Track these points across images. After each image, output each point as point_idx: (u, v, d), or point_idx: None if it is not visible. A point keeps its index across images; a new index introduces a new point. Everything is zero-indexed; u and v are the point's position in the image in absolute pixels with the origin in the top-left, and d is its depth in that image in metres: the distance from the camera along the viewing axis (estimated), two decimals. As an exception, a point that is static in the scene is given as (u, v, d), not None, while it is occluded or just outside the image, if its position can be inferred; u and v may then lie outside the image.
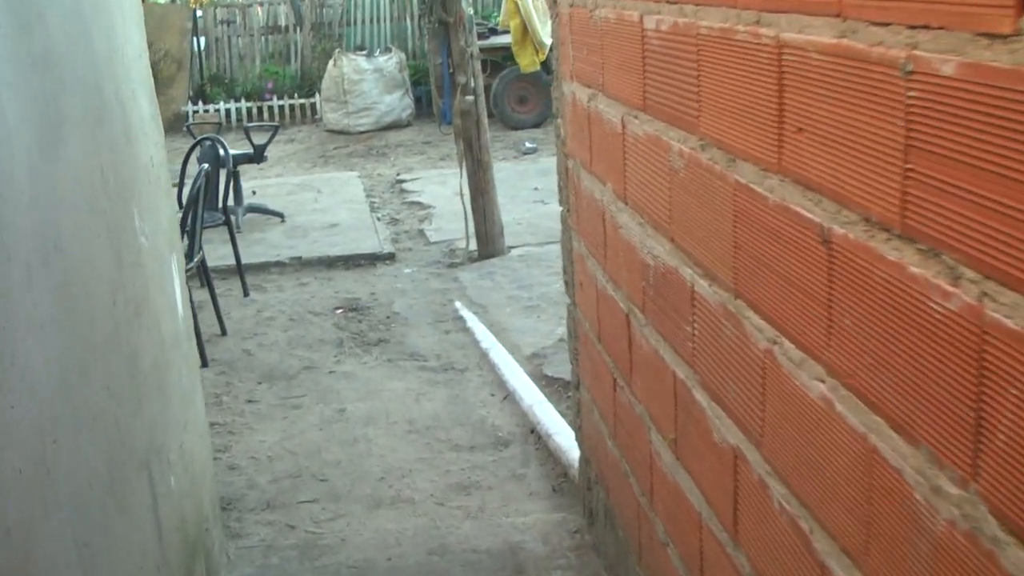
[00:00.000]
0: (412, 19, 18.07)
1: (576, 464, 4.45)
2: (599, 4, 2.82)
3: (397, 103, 15.40)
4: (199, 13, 17.93)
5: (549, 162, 11.87)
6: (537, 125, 14.49)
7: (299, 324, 6.79)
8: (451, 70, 7.68)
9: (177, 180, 7.37)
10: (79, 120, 2.48)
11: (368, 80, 15.20)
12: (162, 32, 16.81)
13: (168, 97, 16.48)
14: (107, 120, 2.75)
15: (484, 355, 6.02)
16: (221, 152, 7.17)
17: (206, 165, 6.14)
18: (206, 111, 16.43)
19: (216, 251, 7.60)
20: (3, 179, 1.90)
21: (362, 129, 15.07)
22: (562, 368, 5.70)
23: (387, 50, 16.08)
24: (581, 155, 3.24)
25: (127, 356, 2.68)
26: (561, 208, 3.78)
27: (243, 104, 16.50)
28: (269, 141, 9.27)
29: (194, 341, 3.70)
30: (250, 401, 5.61)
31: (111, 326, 2.53)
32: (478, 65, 7.67)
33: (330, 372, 5.95)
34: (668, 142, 2.33)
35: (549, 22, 9.00)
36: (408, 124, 15.44)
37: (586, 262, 3.33)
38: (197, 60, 17.57)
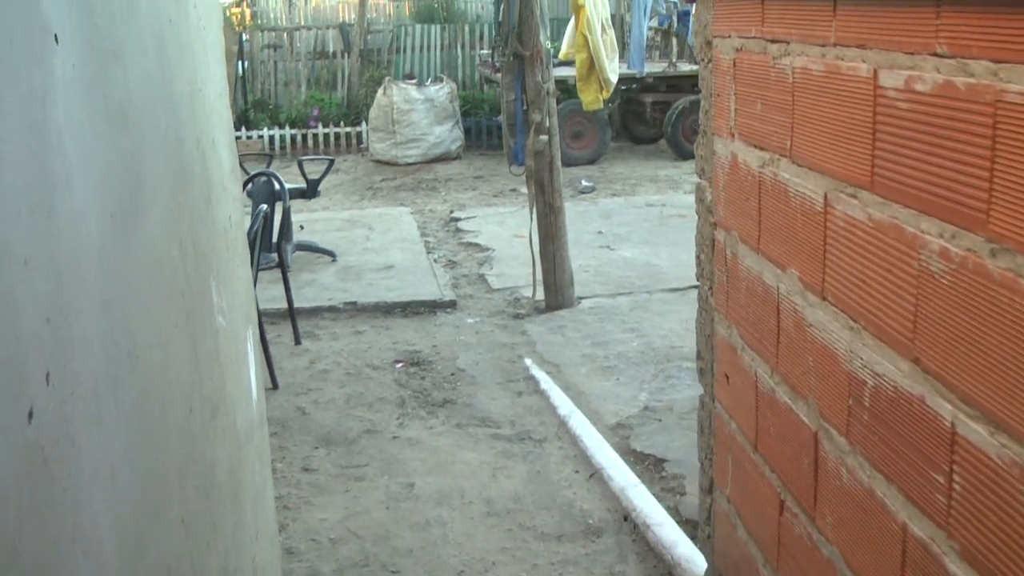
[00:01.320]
0: (463, 48, 17.65)
1: (684, 562, 3.92)
2: (790, 51, 2.29)
3: (447, 135, 14.94)
4: (244, 37, 17.56)
5: (610, 204, 11.53)
6: (592, 161, 14.00)
7: (357, 379, 6.27)
8: (524, 107, 7.16)
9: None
10: (159, 182, 1.97)
11: (418, 110, 14.75)
12: (207, 55, 16.42)
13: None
14: (187, 178, 2.25)
15: (563, 423, 5.48)
16: (276, 187, 6.67)
17: (265, 207, 5.65)
18: (249, 138, 16.03)
19: (265, 292, 7.11)
20: (70, 278, 1.38)
21: (410, 161, 14.61)
22: (651, 443, 5.16)
23: (438, 79, 15.63)
24: (742, 228, 2.70)
25: (203, 472, 2.15)
26: (700, 284, 3.24)
27: (287, 131, 16.10)
28: (323, 176, 8.79)
29: (266, 427, 3.18)
30: (307, 470, 5.08)
31: (188, 443, 2.01)
32: (553, 103, 7.17)
33: (393, 437, 5.42)
34: (919, 235, 1.79)
35: (616, 58, 8.49)
36: (457, 157, 14.98)
37: (739, 355, 2.79)
38: (241, 85, 17.18)
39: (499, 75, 7.35)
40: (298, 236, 9.50)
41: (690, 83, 14.92)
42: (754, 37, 2.53)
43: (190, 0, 2.44)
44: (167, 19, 2.18)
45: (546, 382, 6.04)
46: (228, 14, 24.94)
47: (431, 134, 14.79)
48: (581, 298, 7.60)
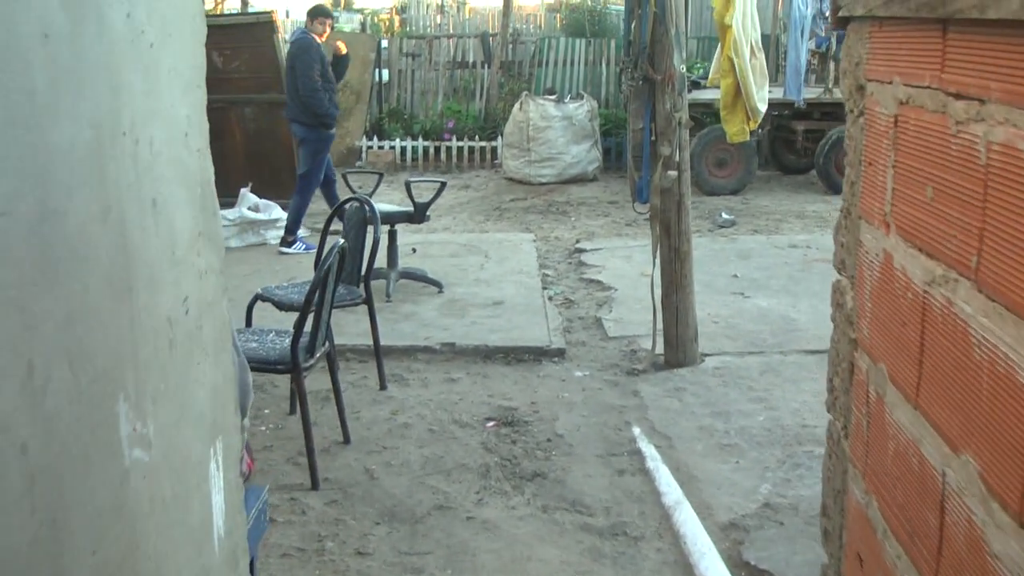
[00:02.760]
0: (607, 64, 16.87)
1: None
2: (986, 114, 1.44)
3: (584, 155, 14.18)
4: (384, 44, 17.09)
5: (750, 242, 10.54)
6: (736, 192, 13.07)
7: (440, 438, 5.53)
8: (652, 137, 6.35)
9: (318, 245, 6.25)
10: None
11: (555, 128, 14.03)
12: (344, 61, 15.99)
13: (344, 130, 15.63)
14: (68, 265, 1.52)
15: (666, 515, 4.64)
16: (367, 214, 5.99)
17: (342, 241, 4.95)
18: (381, 147, 15.53)
19: (357, 326, 6.44)
20: None
21: (543, 180, 13.90)
22: (768, 554, 4.30)
23: (578, 96, 14.89)
24: (894, 364, 1.86)
25: None
26: (829, 419, 2.40)
27: (420, 143, 15.55)
28: (433, 200, 8.12)
29: (247, 564, 2.44)
30: (360, 553, 4.35)
31: None
32: (686, 135, 6.33)
33: (468, 518, 4.66)
34: None
35: (766, 85, 7.60)
36: (594, 179, 14.22)
37: (879, 540, 1.94)
38: (377, 93, 16.71)
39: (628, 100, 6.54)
40: (407, 261, 8.85)
41: (847, 111, 13.88)
42: (928, 87, 1.68)
43: (113, 7, 1.72)
44: (37, 33, 1.46)
45: (653, 459, 5.21)
46: (376, 21, 24.71)
47: (567, 153, 14.05)
48: (705, 355, 6.74)
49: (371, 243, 5.89)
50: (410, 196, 8.01)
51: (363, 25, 23.97)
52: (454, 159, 15.51)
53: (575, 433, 5.61)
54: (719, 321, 7.50)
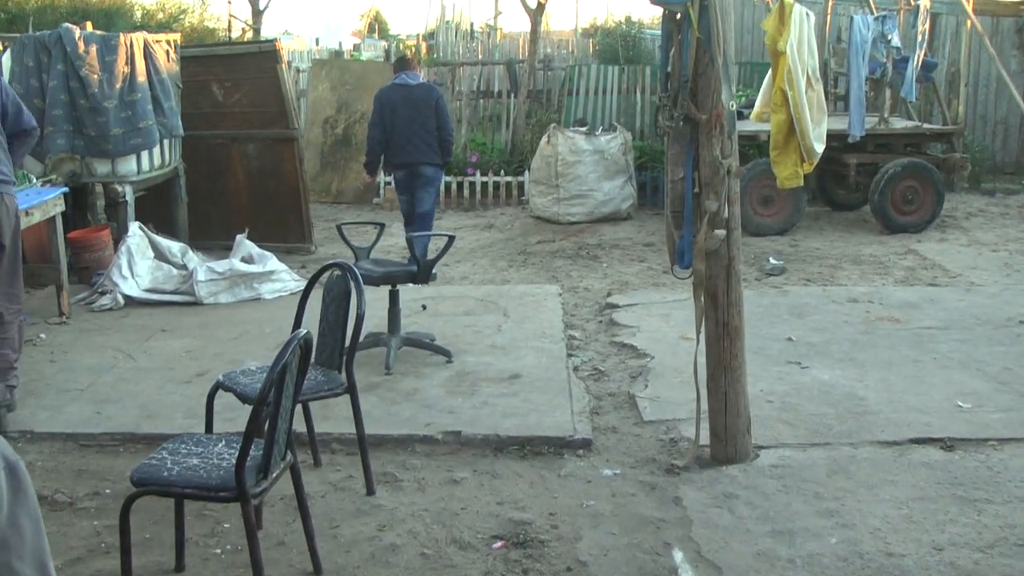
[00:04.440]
0: (642, 93, 15.80)
1: None
2: None
3: (617, 192, 13.11)
4: (405, 73, 16.07)
5: (803, 295, 9.11)
6: (783, 232, 11.94)
7: (434, 566, 4.44)
8: (696, 189, 5.26)
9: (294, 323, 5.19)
10: None
11: (586, 162, 12.96)
12: (360, 92, 15.08)
13: (360, 165, 14.61)
14: None
15: None
16: (351, 287, 4.93)
17: (305, 331, 3.88)
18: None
19: (346, 408, 5.31)
20: None
21: (573, 219, 12.83)
22: None
23: (611, 128, 13.80)
24: None
25: None
26: None
27: (441, 179, 14.47)
28: (440, 257, 7.06)
29: None
30: None
31: None
32: (736, 186, 5.23)
33: None
34: None
35: (824, 121, 6.48)
36: (627, 217, 13.13)
37: None
38: (397, 124, 15.69)
39: (668, 142, 5.45)
40: (413, 323, 7.77)
41: (903, 143, 12.76)
42: None
43: None
44: None
45: (700, 606, 4.10)
46: (402, 47, 23.77)
47: (599, 190, 12.97)
48: (759, 448, 5.62)
49: (355, 318, 4.82)
50: (412, 254, 6.94)
51: (387, 52, 23.05)
52: (478, 196, 14.45)
53: (602, 559, 4.50)
54: (773, 400, 6.37)
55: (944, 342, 7.57)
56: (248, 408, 4.62)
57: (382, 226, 7.49)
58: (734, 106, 5.14)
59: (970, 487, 5.18)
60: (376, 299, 7.17)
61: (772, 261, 10.27)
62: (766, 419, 5.97)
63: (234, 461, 3.73)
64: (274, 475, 3.91)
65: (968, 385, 6.66)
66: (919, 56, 12.24)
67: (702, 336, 5.45)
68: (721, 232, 5.20)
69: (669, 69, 5.25)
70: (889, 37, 11.60)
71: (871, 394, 6.47)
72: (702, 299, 5.36)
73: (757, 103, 7.93)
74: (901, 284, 9.61)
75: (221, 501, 3.79)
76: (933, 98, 14.14)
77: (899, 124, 12.97)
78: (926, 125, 13.26)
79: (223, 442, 4.09)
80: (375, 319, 7.41)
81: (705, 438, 5.56)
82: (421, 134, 9.48)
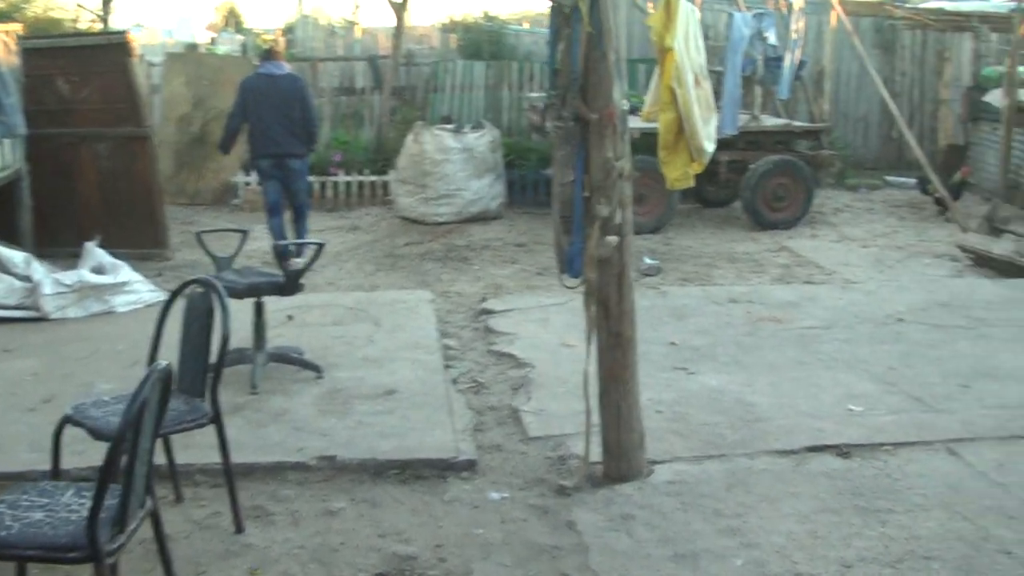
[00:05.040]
0: (509, 89, 15.52)
1: None
2: None
3: (486, 190, 12.77)
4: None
5: (682, 296, 8.79)
6: (655, 230, 11.75)
7: (312, 614, 4.05)
8: (586, 193, 4.95)
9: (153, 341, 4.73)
10: None
11: (454, 161, 12.59)
12: (217, 88, 14.42)
13: (218, 164, 14.05)
14: None
15: None
16: (216, 303, 4.49)
17: (165, 364, 3.45)
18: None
19: (210, 435, 4.84)
20: None
21: (441, 220, 12.45)
22: None
23: (478, 126, 13.46)
24: None
25: None
26: None
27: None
28: (308, 266, 6.62)
29: None
30: None
31: None
32: (628, 190, 4.95)
33: None
34: None
35: (713, 120, 6.27)
36: (497, 216, 12.82)
37: None
38: (256, 122, 15.09)
39: (556, 142, 5.14)
40: (279, 336, 7.31)
41: (773, 141, 12.72)
42: None
43: None
44: None
45: (606, 646, 3.79)
46: (259, 42, 23.06)
47: (467, 189, 12.61)
48: (653, 462, 5.35)
49: (221, 341, 4.39)
50: (280, 263, 6.49)
51: (244, 47, 22.30)
52: (342, 196, 13.96)
53: (496, 596, 4.17)
54: (663, 409, 6.12)
55: (828, 342, 7.44)
56: (102, 444, 4.16)
57: (244, 233, 7.01)
58: (626, 104, 4.84)
59: (871, 497, 5.00)
60: (239, 310, 6.70)
61: (647, 260, 10.06)
62: (657, 431, 5.71)
63: (85, 513, 3.27)
64: (132, 527, 3.46)
65: (856, 387, 6.52)
66: (796, 55, 12.22)
67: (592, 347, 5.15)
68: (613, 239, 4.90)
69: (557, 66, 4.92)
70: (766, 35, 11.53)
71: (761, 399, 6.27)
72: (592, 309, 5.05)
73: (647, 103, 7.69)
74: (778, 282, 9.50)
75: (71, 563, 3.31)
76: (799, 96, 14.17)
77: (770, 122, 12.94)
78: (796, 123, 13.27)
79: (72, 490, 3.60)
80: (239, 333, 6.92)
81: (596, 454, 5.27)
82: (287, 124, 9.70)
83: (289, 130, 9.72)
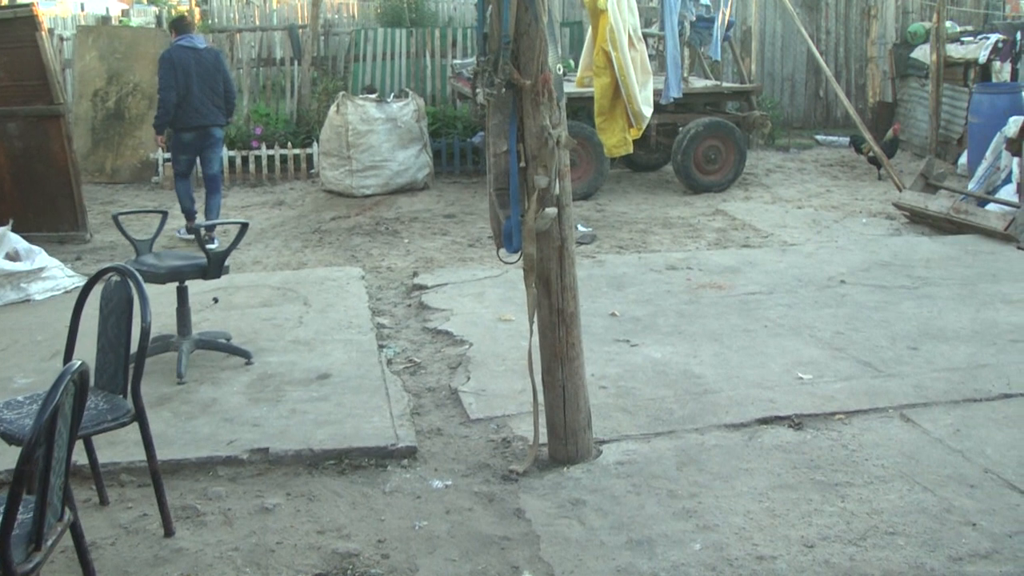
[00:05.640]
0: (432, 56, 15.19)
1: None
2: None
3: (412, 161, 12.47)
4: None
5: (619, 264, 8.60)
6: (587, 196, 11.55)
7: (249, 622, 3.79)
8: (522, 163, 4.71)
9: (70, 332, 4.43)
10: None
11: (378, 131, 12.27)
12: (132, 61, 13.94)
13: (136, 140, 13.60)
14: None
15: None
16: (134, 294, 4.19)
17: (79, 363, 3.15)
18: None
19: (135, 432, 4.54)
20: None
21: (368, 192, 12.15)
22: None
23: (402, 94, 13.14)
24: None
25: None
26: None
27: (225, 153, 13.51)
28: (233, 247, 6.31)
29: None
30: None
31: None
32: (566, 158, 4.71)
33: None
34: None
35: (651, 83, 6.05)
36: (425, 187, 12.54)
37: None
38: (174, 96, 14.61)
39: (484, 109, 4.88)
40: (204, 320, 7.01)
41: (703, 103, 12.56)
42: None
43: None
44: None
45: (563, 644, 3.59)
46: (173, 13, 22.44)
47: (393, 160, 12.30)
48: (601, 442, 5.15)
49: (140, 333, 4.09)
50: (200, 244, 6.15)
51: (158, 19, 21.71)
52: (264, 170, 13.56)
53: (445, 594, 3.94)
54: (607, 385, 5.92)
55: (771, 307, 7.29)
56: (15, 448, 3.86)
57: (164, 214, 6.67)
58: (561, 70, 4.60)
59: (828, 470, 4.85)
60: (161, 294, 6.38)
61: (581, 228, 9.85)
62: (603, 408, 5.51)
63: (-5, 531, 2.98)
64: (49, 543, 3.17)
65: (804, 353, 6.38)
66: (725, 15, 12.06)
67: (535, 326, 4.92)
68: (552, 210, 4.67)
69: (487, 30, 4.65)
70: (697, -7, 11.34)
71: (708, 371, 6.10)
72: (534, 285, 4.82)
73: (580, 67, 7.44)
74: (716, 247, 9.34)
75: (-21, 586, 3.03)
76: (726, 57, 14.02)
77: (699, 83, 12.77)
78: (726, 84, 13.10)
79: (-18, 502, 3.31)
80: (162, 319, 6.62)
81: (541, 435, 5.05)
82: (212, 97, 9.95)
83: (213, 102, 9.95)
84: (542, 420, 5.04)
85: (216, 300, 7.47)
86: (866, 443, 5.13)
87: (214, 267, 6.15)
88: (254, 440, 5.16)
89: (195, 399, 5.73)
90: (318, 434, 5.23)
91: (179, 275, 6.14)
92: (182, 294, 6.24)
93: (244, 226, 6.32)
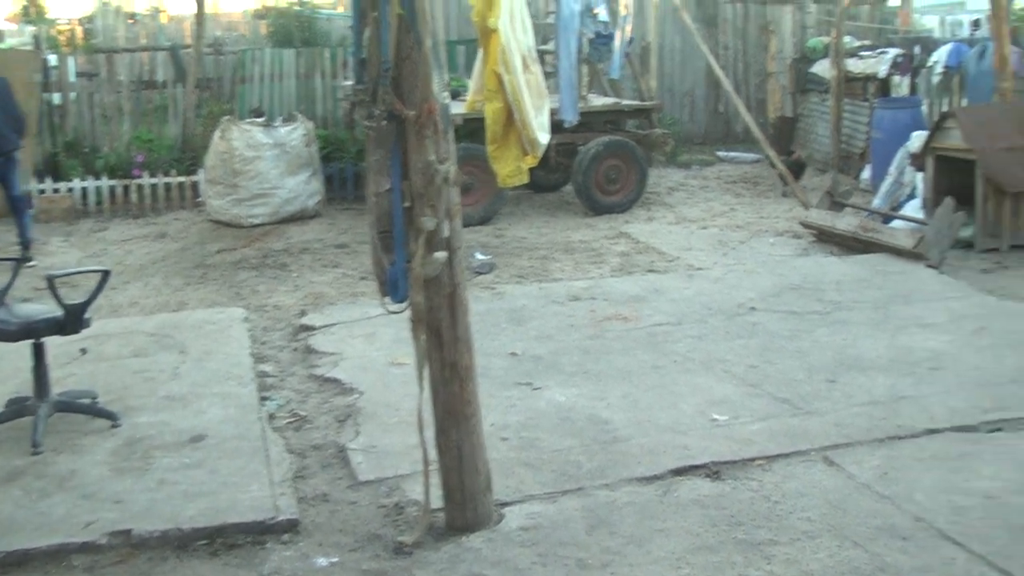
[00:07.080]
0: (323, 77, 14.63)
1: None
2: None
3: (302, 187, 11.92)
4: (53, 61, 14.26)
5: (519, 296, 8.12)
6: (485, 221, 11.10)
7: None
8: (406, 203, 4.23)
9: None
10: None
11: (266, 157, 11.71)
12: None
13: (7, 171, 12.77)
14: None
15: None
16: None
17: None
18: (56, 191, 12.72)
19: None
20: None
21: (257, 221, 11.57)
22: None
23: (290, 118, 12.57)
24: None
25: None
26: None
27: (104, 182, 12.86)
28: (92, 298, 5.70)
29: None
30: None
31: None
32: (455, 196, 4.25)
33: None
34: None
35: (547, 107, 5.62)
36: (316, 215, 11.98)
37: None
38: (49, 123, 13.87)
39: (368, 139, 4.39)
40: (69, 375, 6.39)
41: (603, 121, 12.21)
42: None
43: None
44: None
45: None
46: (52, 34, 21.53)
47: (282, 187, 11.73)
48: (503, 504, 4.69)
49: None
50: (55, 296, 5.54)
51: (36, 40, 20.79)
52: (148, 200, 12.87)
53: None
54: (508, 436, 5.46)
55: (680, 340, 6.91)
56: None
57: (17, 261, 6.06)
58: (448, 99, 4.13)
59: (751, 526, 4.45)
60: (13, 351, 5.78)
61: (479, 257, 9.40)
62: (504, 463, 5.05)
63: None
64: None
65: (717, 391, 6.00)
66: (627, 31, 11.72)
67: (426, 381, 4.44)
68: (442, 255, 4.20)
69: (364, 55, 4.17)
70: (596, 11, 10.93)
71: (617, 415, 5.68)
72: (423, 337, 4.34)
73: (470, 90, 6.99)
74: (619, 272, 8.96)
75: None
76: (625, 73, 13.70)
77: (598, 101, 12.43)
78: (625, 101, 12.76)
79: None
80: (18, 379, 6.01)
81: (436, 498, 4.57)
82: (9, 121, 10.30)
83: (11, 127, 10.35)
84: (437, 483, 4.56)
85: (84, 351, 6.85)
86: (789, 492, 4.75)
87: (72, 321, 5.54)
88: (115, 520, 4.58)
89: (51, 472, 5.12)
90: (188, 509, 4.68)
91: (32, 332, 5.52)
92: (38, 352, 5.62)
93: (105, 274, 5.72)
